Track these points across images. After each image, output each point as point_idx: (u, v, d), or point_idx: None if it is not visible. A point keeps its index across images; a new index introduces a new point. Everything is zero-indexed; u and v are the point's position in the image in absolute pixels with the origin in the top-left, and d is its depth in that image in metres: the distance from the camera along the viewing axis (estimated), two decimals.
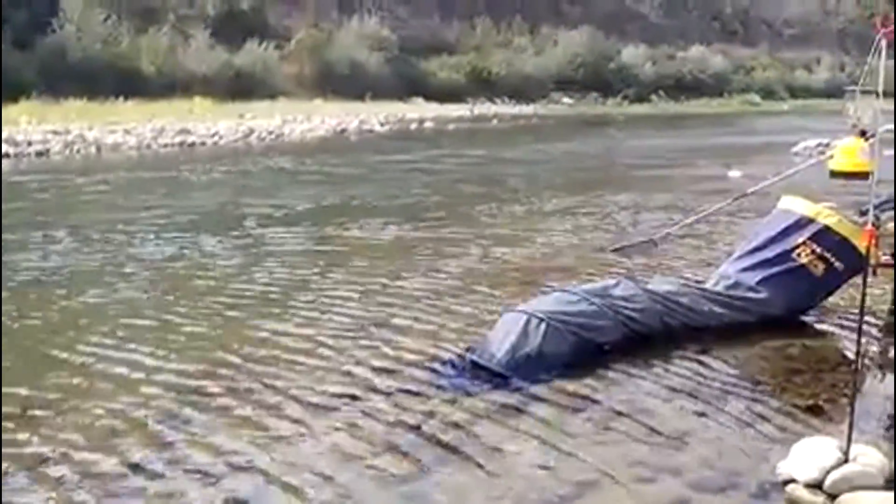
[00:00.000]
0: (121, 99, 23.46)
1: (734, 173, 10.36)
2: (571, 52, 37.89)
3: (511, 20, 38.44)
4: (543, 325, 3.58)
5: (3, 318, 4.27)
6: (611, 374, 3.47)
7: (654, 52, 41.88)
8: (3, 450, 2.73)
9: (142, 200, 9.49)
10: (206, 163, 13.98)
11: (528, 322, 3.61)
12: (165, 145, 17.23)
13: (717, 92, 41.70)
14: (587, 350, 3.61)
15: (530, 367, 3.45)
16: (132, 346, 3.91)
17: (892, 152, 7.60)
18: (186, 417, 3.06)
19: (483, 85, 35.07)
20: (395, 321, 4.25)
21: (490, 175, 11.73)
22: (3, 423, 2.92)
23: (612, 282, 4.07)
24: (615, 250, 6.20)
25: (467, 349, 3.68)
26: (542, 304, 3.81)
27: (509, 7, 38.71)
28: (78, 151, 15.76)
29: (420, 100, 32.43)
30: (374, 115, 25.10)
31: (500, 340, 3.59)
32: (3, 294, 4.77)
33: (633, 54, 40.33)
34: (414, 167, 13.03)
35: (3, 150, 14.27)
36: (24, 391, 3.28)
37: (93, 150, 16.08)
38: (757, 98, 41.87)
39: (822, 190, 5.75)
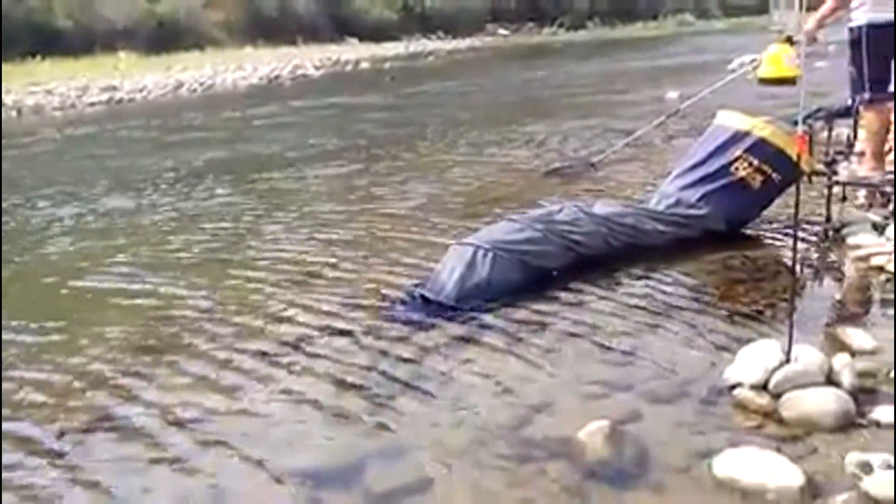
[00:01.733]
0: (38, 58, 22.34)
1: (671, 94, 10.42)
2: None
3: None
4: (490, 255, 3.59)
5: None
6: (559, 297, 3.50)
7: None
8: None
9: (73, 162, 9.15)
10: (135, 119, 13.51)
11: (475, 253, 3.61)
12: (92, 104, 16.57)
13: (652, 14, 41.72)
14: (535, 276, 3.64)
15: (480, 297, 3.48)
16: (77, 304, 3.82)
17: (820, 63, 7.70)
18: (138, 373, 3.01)
19: (417, 20, 34.43)
20: (341, 264, 4.21)
21: (426, 112, 11.59)
22: None
23: (556, 207, 4.08)
24: (548, 173, 6.26)
25: (416, 285, 3.67)
26: (488, 234, 3.81)
27: None
28: None
29: (354, 40, 31.69)
30: (308, 60, 24.48)
31: (449, 273, 3.59)
32: None
33: None
34: (348, 110, 12.79)
35: None
36: None
37: (13, 113, 15.38)
38: (691, 18, 42.05)
39: (756, 105, 5.82)
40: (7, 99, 16.29)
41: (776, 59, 3.86)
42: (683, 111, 6.55)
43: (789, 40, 3.77)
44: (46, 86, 18.02)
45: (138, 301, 3.86)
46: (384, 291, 3.70)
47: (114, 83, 18.72)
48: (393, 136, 9.39)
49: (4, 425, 2.65)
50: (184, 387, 2.89)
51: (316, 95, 15.38)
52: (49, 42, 23.99)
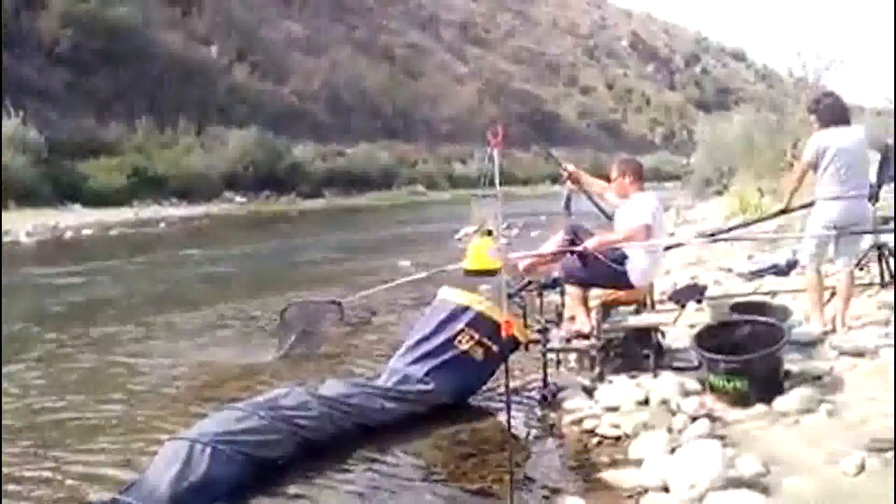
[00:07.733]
0: None
1: (404, 262, 10.90)
2: (241, 151, 37.73)
3: (175, 120, 37.29)
4: (209, 450, 3.30)
5: None
6: (286, 490, 3.29)
7: (323, 150, 43.36)
8: None
9: None
10: None
11: (191, 449, 3.30)
12: None
13: (387, 185, 44.24)
14: (260, 468, 3.40)
15: (198, 496, 3.16)
16: None
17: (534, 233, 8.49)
18: None
19: (149, 186, 33.20)
20: (24, 467, 3.61)
21: (149, 288, 10.54)
22: None
23: (282, 391, 3.91)
24: (288, 308, 6.15)
25: (122, 491, 3.23)
26: (207, 426, 3.51)
27: (172, 107, 37.69)
28: None
29: (77, 206, 29.76)
30: (20, 226, 22.42)
31: (162, 473, 3.24)
32: None
33: (303, 151, 41.35)
34: (61, 285, 11.23)
35: None
36: None
37: None
38: (422, 188, 45.21)
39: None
40: None
41: (479, 253, 4.15)
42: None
43: (489, 233, 4.08)
44: None
45: None
46: (84, 502, 3.21)
47: None
48: (102, 314, 8.18)
49: None
50: None
51: (23, 265, 13.82)
52: None
